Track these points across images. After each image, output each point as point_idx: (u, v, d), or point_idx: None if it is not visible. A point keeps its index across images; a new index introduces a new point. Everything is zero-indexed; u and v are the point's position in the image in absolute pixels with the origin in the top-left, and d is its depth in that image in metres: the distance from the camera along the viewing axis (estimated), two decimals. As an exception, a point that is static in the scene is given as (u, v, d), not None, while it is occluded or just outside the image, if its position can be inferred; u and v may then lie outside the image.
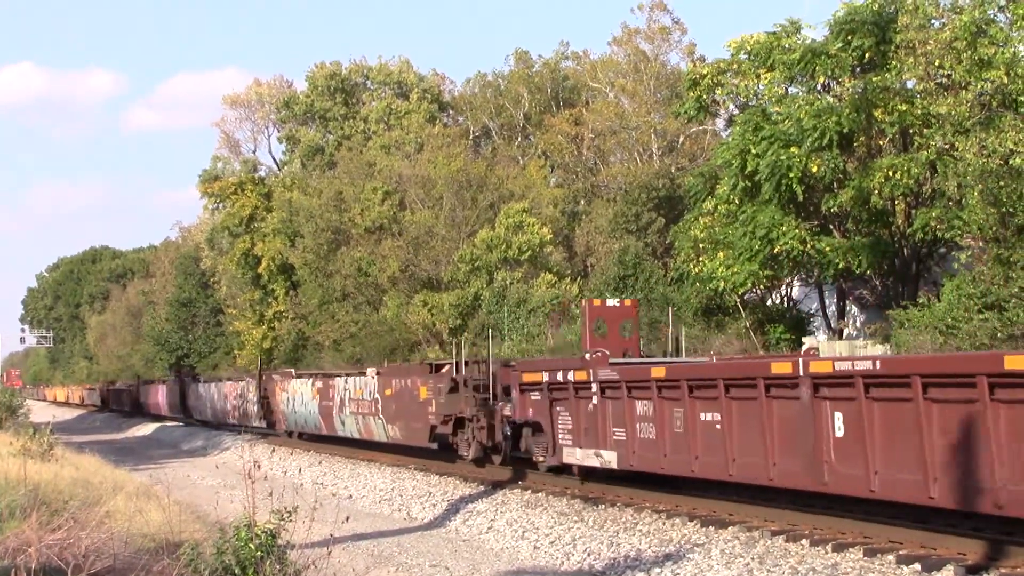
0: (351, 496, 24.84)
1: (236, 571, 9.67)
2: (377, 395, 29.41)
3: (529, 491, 21.63)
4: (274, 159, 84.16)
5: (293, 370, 41.83)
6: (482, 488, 22.89)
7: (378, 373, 30.25)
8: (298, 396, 36.27)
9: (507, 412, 22.60)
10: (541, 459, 21.63)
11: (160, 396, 65.14)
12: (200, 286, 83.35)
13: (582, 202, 59.38)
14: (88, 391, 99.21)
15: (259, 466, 10.79)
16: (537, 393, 21.20)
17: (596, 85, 64.17)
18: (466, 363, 24.74)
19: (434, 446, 27.12)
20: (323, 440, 35.84)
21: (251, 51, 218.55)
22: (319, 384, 34.42)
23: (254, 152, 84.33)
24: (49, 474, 19.82)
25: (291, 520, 10.02)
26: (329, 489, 26.06)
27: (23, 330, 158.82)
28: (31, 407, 49.10)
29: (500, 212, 49.86)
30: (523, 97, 68.36)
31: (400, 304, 50.53)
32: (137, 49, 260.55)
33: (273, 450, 35.68)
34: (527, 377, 21.70)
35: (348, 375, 32.76)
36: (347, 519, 14.85)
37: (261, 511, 9.92)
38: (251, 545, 9.70)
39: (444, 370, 25.72)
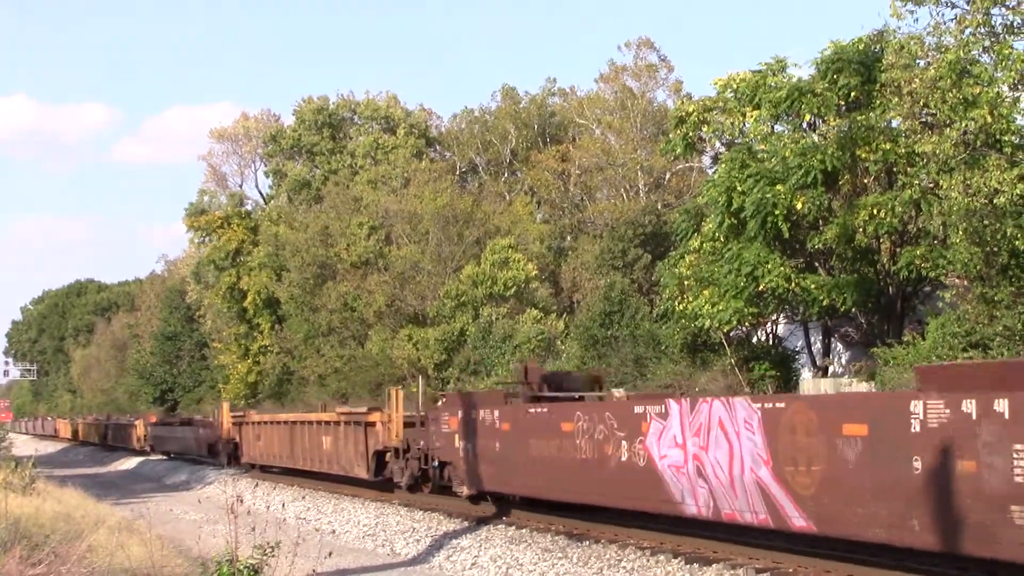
0: (334, 531, 24.68)
1: (218, 606, 9.63)
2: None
3: (513, 527, 21.55)
4: (260, 193, 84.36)
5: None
6: (466, 524, 22.79)
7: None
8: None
9: None
10: None
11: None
12: (185, 320, 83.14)
13: (568, 238, 59.49)
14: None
15: (242, 501, 10.75)
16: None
17: (583, 121, 64.41)
18: None
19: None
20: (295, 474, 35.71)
21: (240, 85, 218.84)
22: None
23: (241, 186, 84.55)
24: (31, 508, 19.71)
25: (273, 555, 9.99)
26: (312, 524, 25.89)
27: (7, 363, 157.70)
28: (13, 440, 48.71)
29: (486, 248, 49.94)
30: (510, 133, 68.53)
31: (385, 339, 50.49)
32: (130, 83, 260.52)
33: (256, 484, 35.47)
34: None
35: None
36: (330, 554, 14.81)
37: (244, 546, 9.89)
38: (233, 580, 9.66)
39: None
